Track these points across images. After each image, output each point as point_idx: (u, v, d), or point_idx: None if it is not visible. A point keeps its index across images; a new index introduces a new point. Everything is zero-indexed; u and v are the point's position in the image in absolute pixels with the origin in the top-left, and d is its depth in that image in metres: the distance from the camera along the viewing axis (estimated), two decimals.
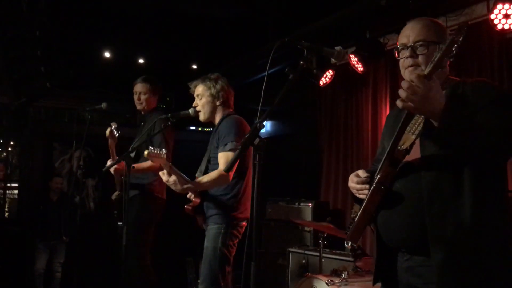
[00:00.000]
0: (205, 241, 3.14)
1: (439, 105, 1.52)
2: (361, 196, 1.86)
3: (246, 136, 1.80)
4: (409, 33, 1.82)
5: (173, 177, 2.90)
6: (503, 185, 1.76)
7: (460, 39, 1.48)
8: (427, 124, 1.65)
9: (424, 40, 1.78)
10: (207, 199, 3.18)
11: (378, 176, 1.75)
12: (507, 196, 1.80)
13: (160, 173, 2.97)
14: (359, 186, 1.86)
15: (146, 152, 2.85)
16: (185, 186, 2.96)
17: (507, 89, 3.62)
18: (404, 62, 1.83)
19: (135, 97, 4.19)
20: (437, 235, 1.63)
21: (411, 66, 1.80)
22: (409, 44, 1.81)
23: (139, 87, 4.18)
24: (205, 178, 3.06)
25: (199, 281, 3.20)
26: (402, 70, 1.87)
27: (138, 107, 4.22)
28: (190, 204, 3.20)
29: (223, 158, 3.04)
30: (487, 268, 1.62)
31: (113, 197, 4.02)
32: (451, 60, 1.61)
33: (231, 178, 3.04)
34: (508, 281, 1.65)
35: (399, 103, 1.56)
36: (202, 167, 3.31)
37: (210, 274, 3.04)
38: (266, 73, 1.85)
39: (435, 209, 1.64)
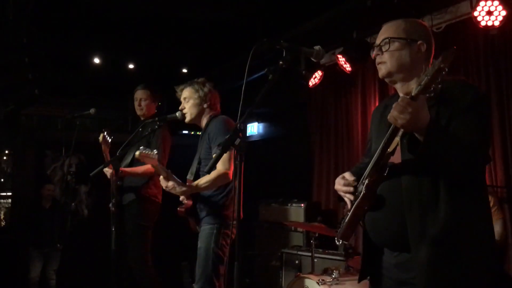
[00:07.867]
0: (199, 242, 3.16)
1: (424, 123, 1.59)
2: (347, 200, 1.91)
3: (227, 137, 1.82)
4: (380, 34, 1.93)
5: (171, 182, 2.99)
6: (482, 183, 1.80)
7: (447, 67, 1.53)
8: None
9: (387, 37, 1.87)
10: (199, 200, 3.19)
11: (366, 181, 1.78)
12: (486, 194, 1.83)
13: (161, 179, 3.02)
14: (345, 188, 1.91)
15: (137, 153, 2.90)
16: (183, 189, 3.03)
17: (482, 91, 3.63)
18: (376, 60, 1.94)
19: (136, 103, 4.24)
20: (417, 236, 1.68)
21: (379, 63, 1.90)
22: (376, 44, 1.91)
23: (140, 94, 4.23)
24: (203, 180, 3.08)
25: (194, 284, 3.21)
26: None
27: (139, 112, 4.26)
28: (183, 206, 3.21)
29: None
30: (468, 266, 1.66)
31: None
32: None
33: (231, 177, 3.06)
34: (488, 279, 1.69)
35: (389, 118, 1.63)
36: (193, 169, 3.32)
37: (204, 275, 3.06)
38: (245, 78, 1.87)
39: (414, 211, 1.70)
